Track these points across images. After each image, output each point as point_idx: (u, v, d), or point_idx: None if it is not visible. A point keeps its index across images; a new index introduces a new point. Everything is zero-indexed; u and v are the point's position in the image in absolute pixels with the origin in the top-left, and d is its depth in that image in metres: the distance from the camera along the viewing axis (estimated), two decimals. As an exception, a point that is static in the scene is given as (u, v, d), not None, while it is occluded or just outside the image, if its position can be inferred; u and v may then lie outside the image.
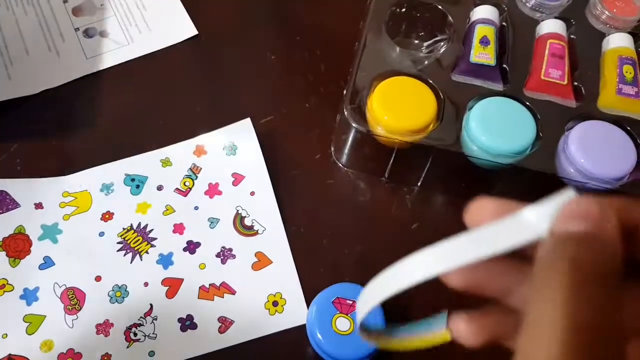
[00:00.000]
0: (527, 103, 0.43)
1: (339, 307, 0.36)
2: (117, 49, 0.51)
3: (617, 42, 0.46)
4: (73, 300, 0.39)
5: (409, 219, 0.45)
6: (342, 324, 0.36)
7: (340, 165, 0.47)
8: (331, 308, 0.36)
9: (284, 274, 0.41)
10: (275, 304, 0.40)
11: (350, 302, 0.36)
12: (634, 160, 0.40)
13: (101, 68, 0.50)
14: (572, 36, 0.47)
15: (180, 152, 0.46)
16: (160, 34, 0.52)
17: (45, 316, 0.39)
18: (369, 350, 0.35)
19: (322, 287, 0.38)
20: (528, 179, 0.41)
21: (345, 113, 0.42)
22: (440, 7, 0.48)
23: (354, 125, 0.41)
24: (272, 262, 0.41)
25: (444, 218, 0.45)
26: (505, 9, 0.48)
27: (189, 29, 0.53)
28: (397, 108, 0.42)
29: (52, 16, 0.52)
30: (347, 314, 0.36)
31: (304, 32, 0.55)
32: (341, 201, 0.46)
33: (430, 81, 0.43)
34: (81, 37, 0.51)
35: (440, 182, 0.46)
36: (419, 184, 0.46)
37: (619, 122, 0.42)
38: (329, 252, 0.43)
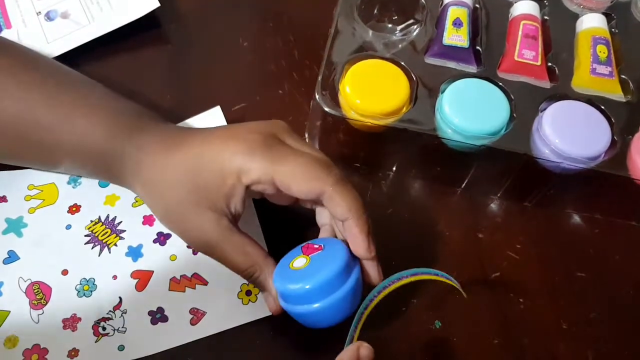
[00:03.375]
0: (501, 84, 0.42)
1: (304, 251, 0.34)
2: (79, 29, 0.49)
3: (591, 22, 0.46)
4: (39, 294, 0.38)
5: (385, 204, 0.44)
6: (299, 262, 0.34)
7: (315, 151, 0.46)
8: (297, 251, 0.35)
9: (257, 263, 0.40)
10: (248, 293, 0.39)
11: (317, 247, 0.34)
12: (608, 140, 0.40)
13: (63, 52, 0.47)
14: (545, 17, 0.47)
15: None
16: (121, 9, 0.50)
17: (9, 312, 0.38)
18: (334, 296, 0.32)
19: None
20: (503, 161, 0.41)
21: (317, 97, 0.41)
22: (413, -11, 0.48)
23: (326, 109, 0.41)
24: (245, 251, 0.40)
25: (420, 202, 0.44)
26: (479, -10, 0.48)
27: (150, 2, 0.49)
28: (370, 91, 0.41)
29: (14, 1, 0.51)
30: (308, 255, 0.34)
31: (277, 18, 0.54)
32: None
33: (403, 64, 0.43)
34: (42, 20, 0.49)
35: (415, 166, 0.45)
36: (394, 168, 0.45)
37: (593, 101, 0.42)
38: (303, 240, 0.42)
